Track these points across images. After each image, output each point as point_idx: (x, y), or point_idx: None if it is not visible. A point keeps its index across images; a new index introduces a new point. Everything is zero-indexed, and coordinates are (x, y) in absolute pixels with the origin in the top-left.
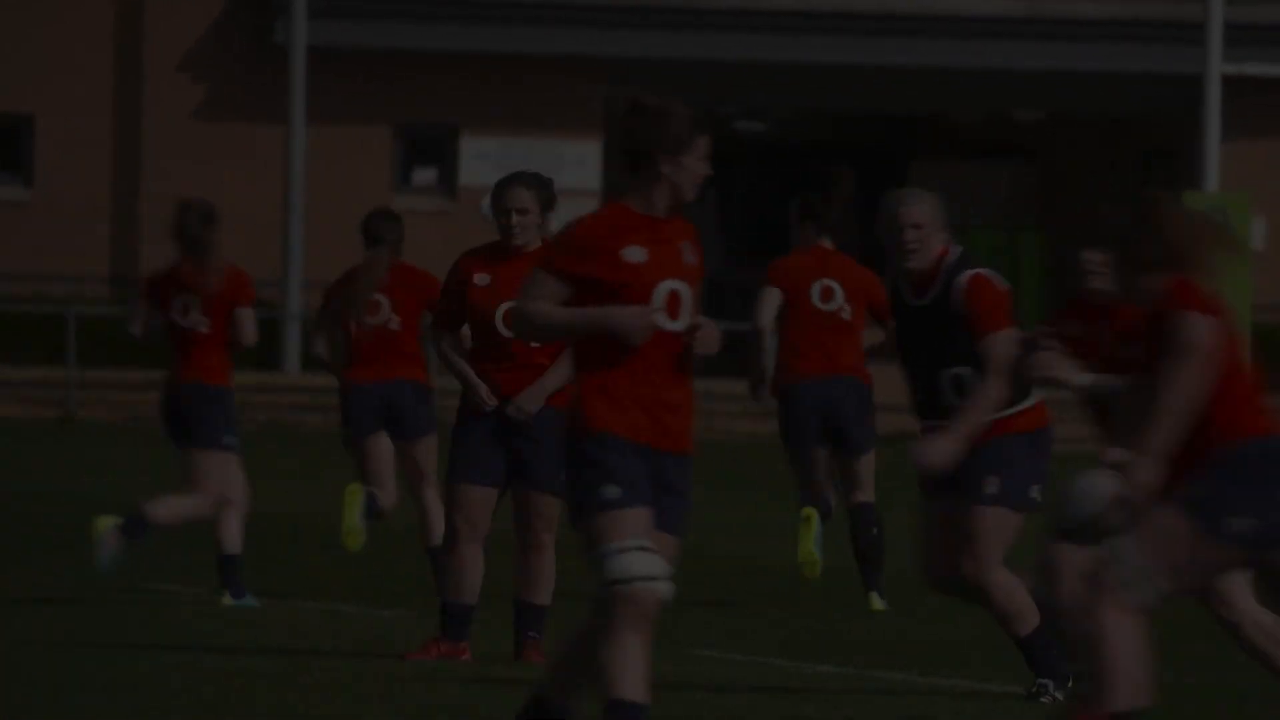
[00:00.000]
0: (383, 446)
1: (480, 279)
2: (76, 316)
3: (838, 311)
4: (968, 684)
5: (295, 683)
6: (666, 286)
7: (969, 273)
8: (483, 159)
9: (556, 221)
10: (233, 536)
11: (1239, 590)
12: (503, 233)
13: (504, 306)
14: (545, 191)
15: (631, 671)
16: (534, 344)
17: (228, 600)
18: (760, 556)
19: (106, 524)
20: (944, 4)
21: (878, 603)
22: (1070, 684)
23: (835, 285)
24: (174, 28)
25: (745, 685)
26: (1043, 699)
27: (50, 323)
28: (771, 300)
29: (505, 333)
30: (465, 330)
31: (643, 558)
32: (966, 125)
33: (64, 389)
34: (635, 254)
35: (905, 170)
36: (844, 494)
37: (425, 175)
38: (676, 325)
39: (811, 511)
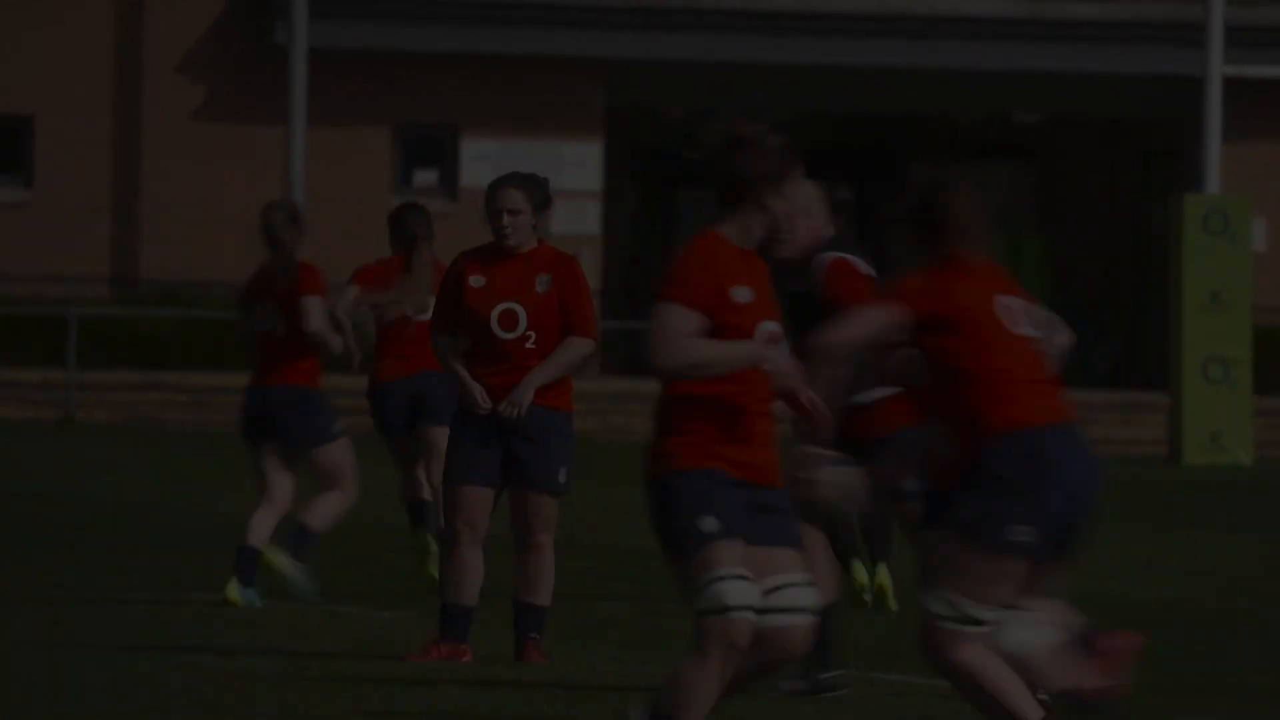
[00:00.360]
0: (413, 443)
1: (475, 280)
2: (77, 317)
3: None
4: None
5: (295, 683)
6: (766, 328)
7: (831, 256)
8: (483, 160)
9: (557, 222)
10: (262, 530)
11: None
12: (496, 234)
13: (499, 308)
14: (538, 191)
15: (700, 706)
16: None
17: (233, 587)
18: None
19: (280, 559)
20: (944, 5)
21: (884, 575)
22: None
23: None
24: (174, 28)
25: None
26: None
27: (50, 324)
28: None
29: (500, 335)
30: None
31: (739, 586)
32: (966, 126)
33: (64, 390)
34: (743, 294)
35: (905, 171)
36: None
37: (426, 176)
38: (770, 367)
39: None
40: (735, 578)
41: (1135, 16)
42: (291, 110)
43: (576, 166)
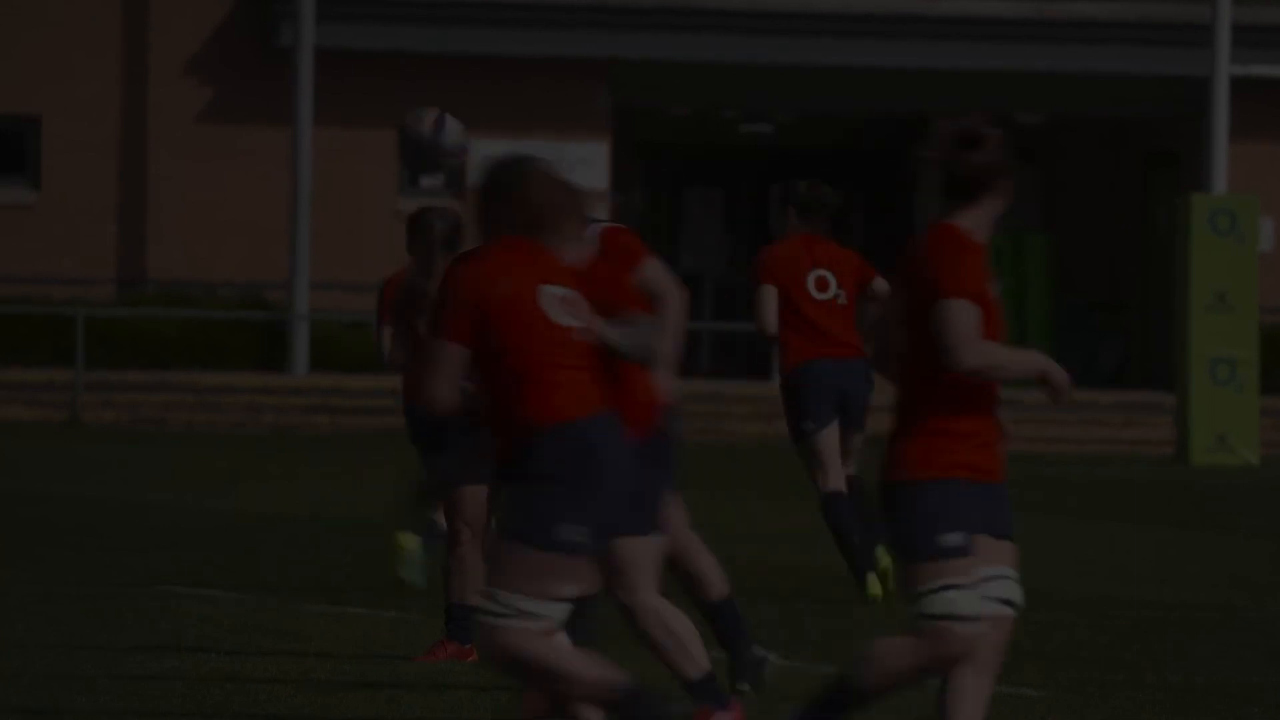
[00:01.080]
0: None
1: None
2: (83, 318)
3: (834, 299)
4: None
5: (297, 683)
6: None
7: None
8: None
9: None
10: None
11: (646, 580)
12: None
13: None
14: None
15: (893, 688)
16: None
17: (412, 537)
18: (764, 557)
19: (412, 544)
20: (947, 5)
21: (885, 558)
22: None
23: (828, 274)
24: (179, 31)
25: None
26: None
27: (57, 324)
28: (770, 299)
29: None
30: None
31: (970, 597)
32: None
33: (70, 390)
34: (995, 288)
35: (907, 172)
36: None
37: (432, 178)
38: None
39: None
40: (967, 588)
41: (1141, 17)
42: (297, 112)
43: (583, 166)
